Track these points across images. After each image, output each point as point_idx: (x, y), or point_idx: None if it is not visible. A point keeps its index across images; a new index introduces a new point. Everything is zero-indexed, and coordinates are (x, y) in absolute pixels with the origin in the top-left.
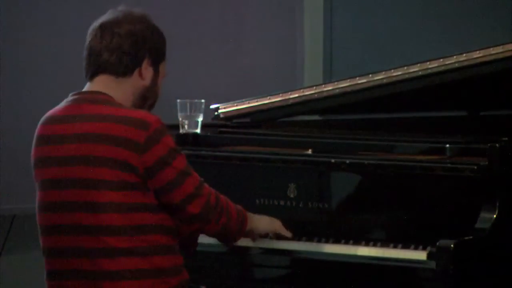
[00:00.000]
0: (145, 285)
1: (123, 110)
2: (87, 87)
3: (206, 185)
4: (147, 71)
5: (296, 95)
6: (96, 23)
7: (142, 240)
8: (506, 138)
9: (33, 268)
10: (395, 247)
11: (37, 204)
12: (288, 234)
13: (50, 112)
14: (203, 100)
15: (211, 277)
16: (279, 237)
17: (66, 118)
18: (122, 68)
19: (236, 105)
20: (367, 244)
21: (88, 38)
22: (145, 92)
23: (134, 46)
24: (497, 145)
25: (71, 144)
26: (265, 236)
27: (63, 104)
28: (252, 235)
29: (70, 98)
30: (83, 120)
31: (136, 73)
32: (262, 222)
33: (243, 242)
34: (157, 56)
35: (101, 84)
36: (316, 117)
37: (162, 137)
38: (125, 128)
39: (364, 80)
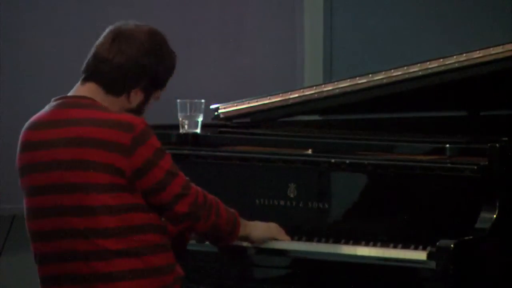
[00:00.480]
0: (141, 285)
1: (109, 113)
2: (74, 90)
3: (193, 184)
4: (137, 96)
5: (296, 95)
6: (114, 27)
7: (136, 240)
8: (506, 138)
9: (33, 268)
10: (395, 247)
11: (26, 211)
12: (287, 238)
13: (34, 118)
14: (203, 100)
15: (211, 277)
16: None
17: (52, 123)
18: (115, 89)
19: (236, 105)
20: (367, 244)
21: (101, 39)
22: (129, 111)
23: (135, 74)
24: (497, 145)
25: (60, 149)
26: None
27: (47, 109)
28: (249, 242)
29: (53, 103)
30: (71, 125)
31: (124, 95)
32: (259, 229)
33: (243, 242)
34: (154, 85)
35: (89, 91)
36: (316, 117)
37: (148, 138)
38: (111, 131)
39: (364, 80)
